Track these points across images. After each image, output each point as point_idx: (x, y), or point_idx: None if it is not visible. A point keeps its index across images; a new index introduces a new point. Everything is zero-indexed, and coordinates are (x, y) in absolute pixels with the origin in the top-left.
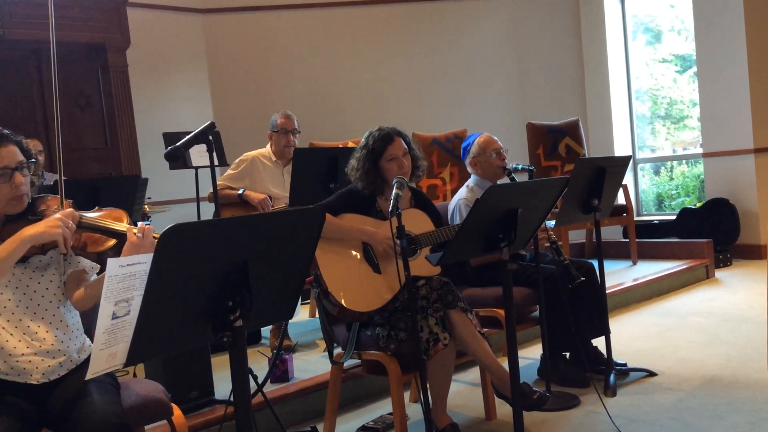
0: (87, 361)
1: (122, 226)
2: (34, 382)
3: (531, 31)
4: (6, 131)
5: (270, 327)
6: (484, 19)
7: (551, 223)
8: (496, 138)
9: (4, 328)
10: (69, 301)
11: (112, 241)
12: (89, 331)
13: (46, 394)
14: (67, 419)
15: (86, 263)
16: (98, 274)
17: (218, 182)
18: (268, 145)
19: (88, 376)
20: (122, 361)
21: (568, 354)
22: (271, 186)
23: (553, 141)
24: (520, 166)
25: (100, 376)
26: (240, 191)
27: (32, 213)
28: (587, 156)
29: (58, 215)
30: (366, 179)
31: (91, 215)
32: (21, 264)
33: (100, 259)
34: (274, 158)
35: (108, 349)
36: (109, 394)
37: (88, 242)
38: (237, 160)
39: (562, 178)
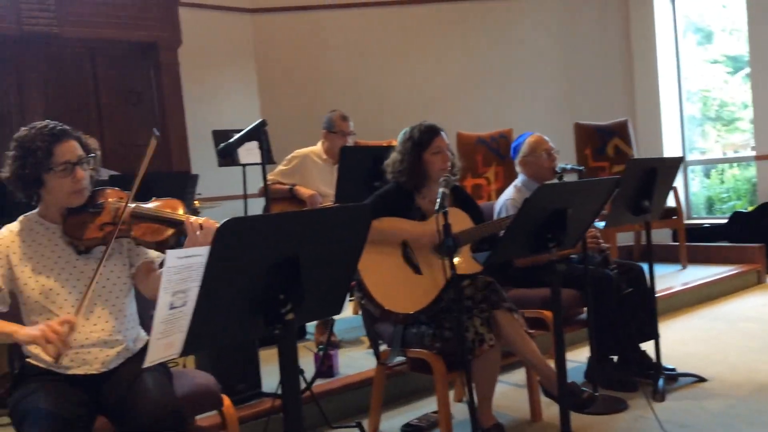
0: (142, 351)
1: (179, 215)
2: (95, 372)
3: (579, 30)
4: (66, 127)
5: (315, 323)
6: (531, 17)
7: (600, 224)
8: (547, 138)
9: None
10: (140, 291)
11: (171, 231)
12: (142, 322)
13: (103, 382)
14: (123, 407)
15: (153, 254)
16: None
17: (269, 177)
18: (319, 143)
19: (146, 364)
20: (179, 351)
21: (615, 357)
22: (320, 184)
23: (602, 141)
24: (569, 166)
25: (154, 366)
26: (290, 186)
27: (92, 206)
28: (636, 157)
29: (49, 328)
30: (409, 172)
31: (148, 206)
32: (84, 255)
33: (161, 248)
34: (324, 156)
35: (165, 338)
36: (163, 384)
37: (147, 232)
38: (289, 156)
39: (613, 178)
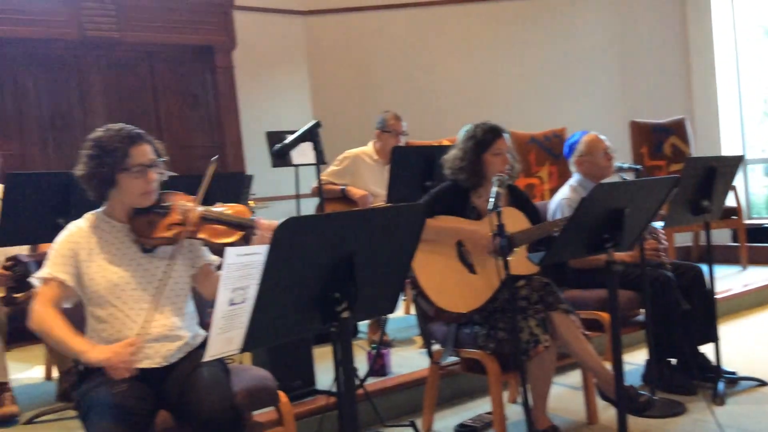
0: (201, 346)
1: (247, 217)
2: (156, 365)
3: (635, 25)
4: (141, 131)
5: (367, 322)
6: (585, 13)
7: (659, 224)
8: (603, 138)
9: (128, 316)
10: (199, 290)
11: (238, 233)
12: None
13: (163, 376)
14: (183, 402)
15: (212, 256)
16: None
17: (322, 176)
18: (371, 143)
19: (206, 358)
20: (238, 347)
21: (674, 360)
22: (371, 184)
23: (658, 140)
24: (626, 165)
25: (213, 362)
26: (342, 187)
27: (159, 207)
28: (693, 155)
29: (116, 355)
30: (468, 170)
31: (216, 209)
32: (148, 253)
33: None
34: (376, 156)
35: (225, 333)
36: (221, 379)
37: (214, 234)
38: (340, 157)
39: (672, 177)
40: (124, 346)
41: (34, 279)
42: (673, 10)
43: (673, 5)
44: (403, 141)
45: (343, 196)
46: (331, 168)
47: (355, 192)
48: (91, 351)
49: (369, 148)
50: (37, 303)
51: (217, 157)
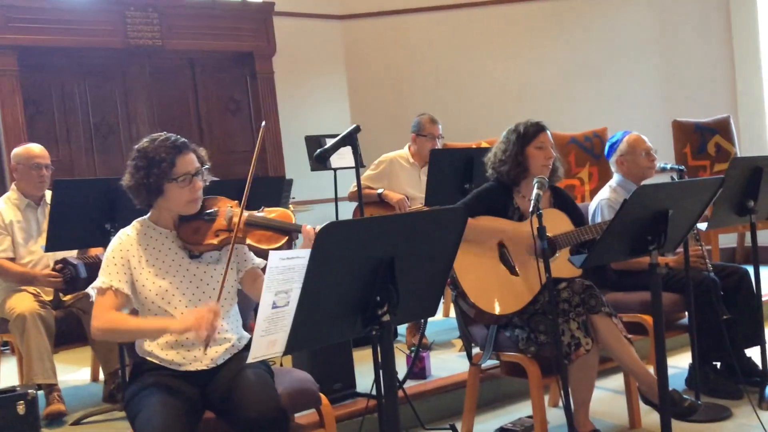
0: (246, 348)
1: (293, 223)
2: (204, 367)
3: (677, 23)
4: (185, 139)
5: (406, 324)
6: (626, 12)
7: (702, 225)
8: (646, 138)
9: None
10: (247, 293)
11: (283, 239)
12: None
13: (209, 377)
14: (229, 403)
15: (259, 260)
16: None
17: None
18: (407, 146)
19: (249, 359)
20: (281, 350)
21: (718, 364)
22: (407, 187)
23: (702, 139)
24: (669, 166)
25: (257, 363)
26: (379, 191)
27: (205, 213)
28: (738, 155)
29: (200, 316)
30: (510, 163)
31: (261, 215)
32: (195, 259)
33: None
34: (411, 160)
35: (268, 336)
36: (268, 381)
37: (261, 239)
38: (376, 161)
39: (718, 178)
40: (206, 311)
41: (91, 290)
42: (716, 6)
43: (717, 1)
44: (439, 144)
45: (380, 200)
46: (368, 173)
47: (393, 196)
48: (174, 321)
49: (404, 151)
50: (97, 311)
51: (264, 123)
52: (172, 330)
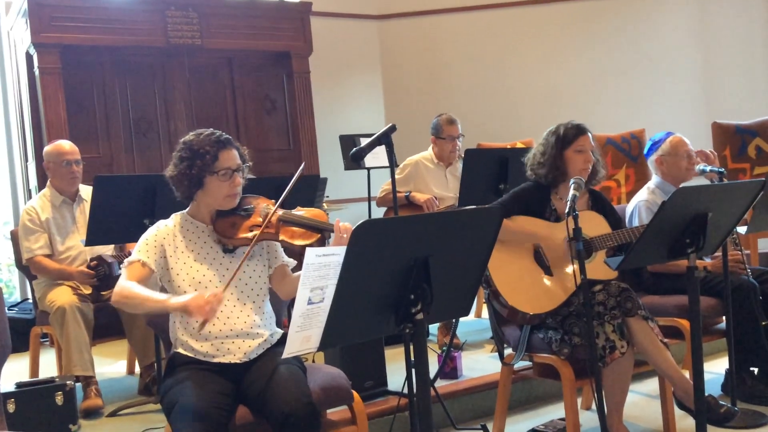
0: (279, 343)
1: (326, 221)
2: (237, 361)
3: (717, 22)
4: (229, 136)
5: (437, 324)
6: (666, 12)
7: (741, 229)
8: (688, 141)
9: None
10: (275, 290)
11: (316, 236)
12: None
13: (243, 372)
14: (262, 398)
15: (289, 259)
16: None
17: (384, 186)
18: (430, 148)
19: (285, 355)
20: (316, 345)
21: (756, 369)
22: (434, 187)
23: (742, 142)
24: (708, 169)
25: (291, 359)
26: (406, 193)
27: (241, 209)
28: None
29: (208, 297)
30: (548, 166)
31: (295, 213)
32: (229, 254)
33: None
34: (436, 161)
35: (303, 331)
36: (300, 377)
37: (294, 236)
38: (401, 165)
39: (758, 181)
40: (211, 296)
41: (123, 269)
42: (757, 6)
43: (759, 1)
44: (460, 143)
45: (409, 203)
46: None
47: (420, 197)
48: (171, 299)
49: (429, 152)
50: (120, 281)
51: (303, 165)
52: (170, 307)
